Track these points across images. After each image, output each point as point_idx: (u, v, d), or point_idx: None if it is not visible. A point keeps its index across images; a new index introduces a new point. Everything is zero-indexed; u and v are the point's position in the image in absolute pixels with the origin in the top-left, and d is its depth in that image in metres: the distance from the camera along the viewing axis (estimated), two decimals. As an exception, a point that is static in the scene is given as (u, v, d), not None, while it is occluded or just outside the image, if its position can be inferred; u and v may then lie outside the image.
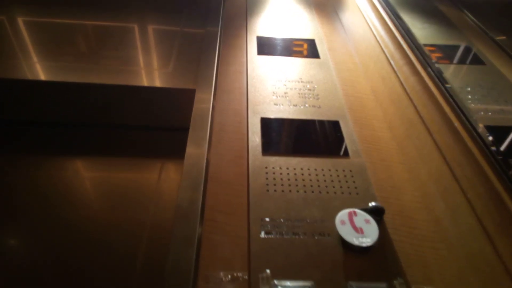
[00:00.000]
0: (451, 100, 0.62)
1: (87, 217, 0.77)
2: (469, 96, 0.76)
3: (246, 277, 0.50)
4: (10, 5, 1.14)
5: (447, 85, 0.66)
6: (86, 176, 0.89)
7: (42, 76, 0.88)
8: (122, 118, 0.93)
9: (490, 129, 0.63)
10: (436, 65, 0.75)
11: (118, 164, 0.90)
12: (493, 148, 0.53)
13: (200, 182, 0.62)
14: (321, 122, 0.77)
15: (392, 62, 0.78)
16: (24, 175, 0.84)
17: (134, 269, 0.67)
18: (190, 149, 0.68)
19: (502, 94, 0.79)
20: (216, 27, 1.02)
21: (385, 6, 0.93)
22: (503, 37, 0.98)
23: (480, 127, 0.57)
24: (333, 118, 0.79)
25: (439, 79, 0.67)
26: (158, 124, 0.95)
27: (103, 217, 0.78)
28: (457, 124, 0.58)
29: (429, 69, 0.69)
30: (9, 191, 0.79)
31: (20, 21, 1.07)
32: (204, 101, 0.79)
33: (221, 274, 0.51)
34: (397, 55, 0.77)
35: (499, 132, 0.65)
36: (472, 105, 0.74)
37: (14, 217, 0.75)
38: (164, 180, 0.88)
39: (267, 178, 0.64)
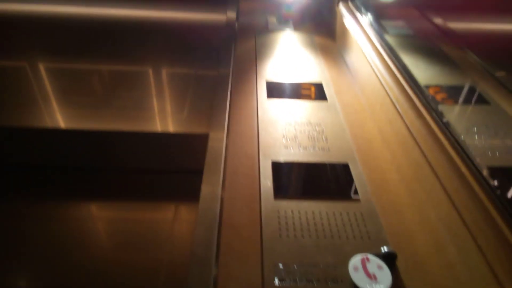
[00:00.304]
0: (455, 143, 0.64)
1: (104, 258, 0.79)
2: (476, 137, 0.78)
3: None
4: (30, 51, 1.22)
5: (451, 129, 0.68)
6: (102, 218, 0.91)
7: (62, 124, 0.93)
8: (138, 163, 0.97)
9: (498, 170, 0.64)
10: (440, 106, 0.77)
11: (133, 206, 0.93)
12: (499, 191, 0.54)
13: (215, 228, 0.63)
14: (331, 165, 0.80)
15: (397, 105, 0.81)
16: (43, 218, 0.87)
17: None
18: (204, 194, 0.71)
19: (508, 134, 0.80)
20: (227, 72, 1.07)
21: (387, 50, 0.97)
22: (503, 74, 1.00)
23: (485, 171, 0.58)
24: (342, 160, 0.81)
25: (443, 122, 0.69)
26: (172, 168, 0.98)
27: (119, 258, 0.80)
28: (463, 168, 0.60)
29: (433, 113, 0.72)
30: (28, 234, 0.82)
31: (41, 67, 1.14)
32: (217, 145, 0.82)
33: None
34: (401, 98, 0.81)
35: (507, 174, 0.66)
36: (479, 145, 0.75)
37: (33, 259, 0.77)
38: (178, 221, 0.90)
39: (279, 223, 0.66)
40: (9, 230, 0.83)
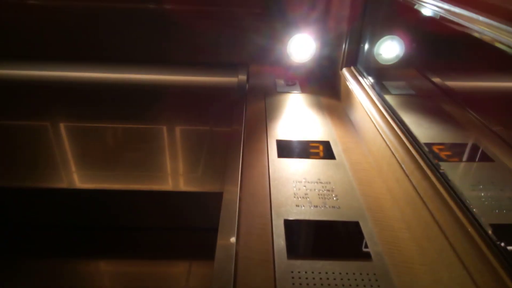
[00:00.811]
0: (461, 204, 0.67)
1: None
2: (482, 194, 0.80)
3: None
4: (49, 113, 1.30)
5: (456, 189, 0.71)
6: (115, 276, 0.93)
7: (76, 183, 0.98)
8: (153, 221, 1.00)
9: (505, 228, 0.66)
10: (444, 165, 0.81)
11: (146, 264, 0.95)
12: (507, 253, 0.56)
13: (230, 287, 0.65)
14: (342, 223, 0.82)
15: (403, 166, 0.85)
16: (57, 277, 0.88)
17: None
18: (219, 253, 0.73)
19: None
20: (239, 131, 1.13)
21: (389, 110, 1.03)
22: (504, 130, 1.03)
23: (491, 230, 0.60)
24: (353, 218, 0.83)
25: (448, 183, 0.72)
26: (186, 225, 1.01)
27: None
28: (470, 229, 0.62)
29: (438, 174, 0.75)
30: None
31: (62, 127, 1.22)
32: (232, 204, 0.85)
33: None
34: (407, 159, 0.85)
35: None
36: (486, 203, 0.77)
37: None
38: (192, 278, 0.91)
39: (293, 284, 0.67)
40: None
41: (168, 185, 0.99)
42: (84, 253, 0.95)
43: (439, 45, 1.35)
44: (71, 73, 1.55)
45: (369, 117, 1.08)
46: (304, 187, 0.93)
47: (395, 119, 0.99)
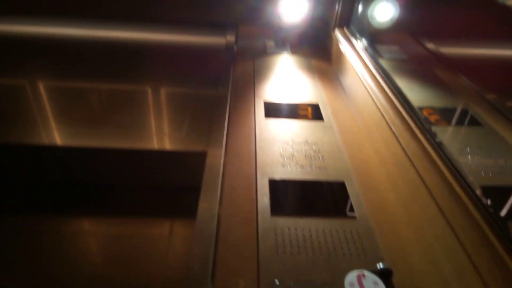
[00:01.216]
0: (450, 164, 0.66)
1: (97, 274, 0.78)
2: (469, 157, 0.80)
3: None
4: (30, 71, 1.24)
5: (445, 150, 0.70)
6: (97, 234, 0.91)
7: (59, 141, 0.95)
8: (135, 180, 0.98)
9: (491, 190, 0.66)
10: (434, 128, 0.79)
11: (129, 223, 0.93)
12: (493, 211, 0.55)
13: (211, 244, 0.64)
14: (327, 183, 0.81)
15: (392, 127, 0.83)
16: (37, 233, 0.86)
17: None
18: (201, 211, 0.71)
19: (501, 154, 0.82)
20: (226, 92, 1.10)
21: (382, 73, 1.00)
22: (494, 96, 1.03)
23: (479, 191, 0.60)
24: (338, 179, 0.82)
25: (437, 143, 0.71)
26: (169, 185, 0.99)
27: (114, 274, 0.79)
28: (457, 188, 0.61)
29: (428, 135, 0.74)
30: (22, 248, 0.81)
31: (41, 86, 1.16)
32: (215, 163, 0.83)
33: None
34: (397, 121, 0.83)
35: (500, 193, 0.68)
36: (473, 166, 0.77)
37: (25, 274, 0.76)
38: (174, 237, 0.90)
39: (276, 240, 0.66)
40: (1, 245, 0.82)
41: (151, 144, 0.96)
42: (66, 211, 0.93)
43: (434, 10, 1.31)
44: (52, 28, 1.47)
45: (360, 79, 1.05)
46: (291, 148, 0.91)
47: (387, 81, 0.96)
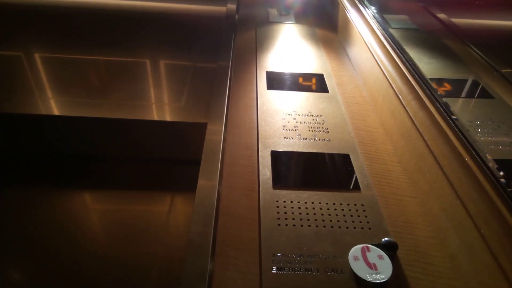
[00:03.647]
0: (460, 134, 0.63)
1: (96, 249, 0.77)
2: (479, 130, 0.77)
3: (258, 315, 0.50)
4: (27, 41, 1.20)
5: (456, 120, 0.67)
6: (95, 209, 0.90)
7: (56, 111, 0.92)
8: (134, 152, 0.95)
9: (502, 163, 0.63)
10: (444, 99, 0.76)
11: (128, 196, 0.91)
12: (505, 182, 0.53)
13: (211, 216, 0.62)
14: (331, 155, 0.78)
15: (400, 97, 0.80)
16: (32, 207, 0.85)
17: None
18: (201, 182, 0.69)
19: (512, 128, 0.79)
20: (227, 62, 1.05)
21: (391, 42, 0.95)
22: (506, 68, 0.99)
23: (491, 162, 0.57)
24: (343, 151, 0.79)
25: (448, 113, 0.68)
26: (170, 157, 0.97)
27: (113, 250, 0.78)
28: (467, 158, 0.58)
29: (437, 104, 0.70)
30: (17, 223, 0.80)
31: (36, 56, 1.13)
32: (216, 135, 0.80)
33: (233, 311, 0.50)
34: (405, 90, 0.79)
35: (510, 166, 0.65)
36: (483, 138, 0.74)
37: (20, 249, 0.75)
38: (174, 212, 0.88)
39: (278, 212, 0.64)
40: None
41: (149, 115, 0.93)
42: (62, 184, 0.91)
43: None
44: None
45: (368, 47, 1.00)
46: (294, 120, 0.88)
47: (396, 50, 0.92)
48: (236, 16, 1.36)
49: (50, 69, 1.07)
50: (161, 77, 1.10)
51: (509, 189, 0.51)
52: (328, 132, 0.85)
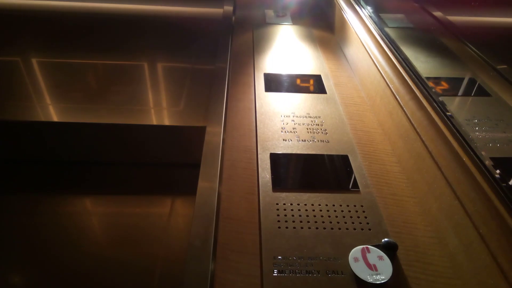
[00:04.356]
0: (457, 134, 0.63)
1: (97, 253, 0.77)
2: (477, 128, 0.77)
3: (259, 318, 0.50)
4: (24, 46, 1.20)
5: (453, 120, 0.67)
6: (96, 213, 0.90)
7: (55, 117, 0.92)
8: (134, 156, 0.96)
9: (500, 161, 0.64)
10: (441, 98, 0.76)
11: (128, 200, 0.92)
12: (503, 183, 0.53)
13: (212, 220, 0.62)
14: (330, 156, 0.78)
15: (397, 97, 0.80)
16: (34, 213, 0.85)
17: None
18: (201, 185, 0.69)
19: (510, 125, 0.79)
20: (224, 64, 1.06)
21: (388, 42, 0.96)
22: (504, 66, 0.99)
23: (488, 161, 0.57)
24: (341, 152, 0.80)
25: (445, 113, 0.68)
26: (169, 161, 0.97)
27: (115, 253, 0.78)
28: (465, 158, 0.59)
29: (435, 104, 0.71)
30: (18, 228, 0.81)
31: (34, 61, 1.13)
32: (215, 138, 0.81)
33: (235, 315, 0.51)
34: (402, 90, 0.79)
35: (509, 164, 0.65)
36: (481, 137, 0.74)
37: (22, 254, 0.76)
38: (175, 215, 0.88)
39: (278, 215, 0.65)
40: None
41: (148, 120, 0.93)
42: (62, 189, 0.91)
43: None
44: (42, 0, 1.41)
45: (365, 47, 1.01)
46: (292, 122, 0.89)
47: (393, 50, 0.92)
48: (233, 18, 1.37)
49: (47, 74, 1.07)
50: (159, 80, 1.10)
51: (504, 185, 0.52)
52: (327, 133, 0.85)
